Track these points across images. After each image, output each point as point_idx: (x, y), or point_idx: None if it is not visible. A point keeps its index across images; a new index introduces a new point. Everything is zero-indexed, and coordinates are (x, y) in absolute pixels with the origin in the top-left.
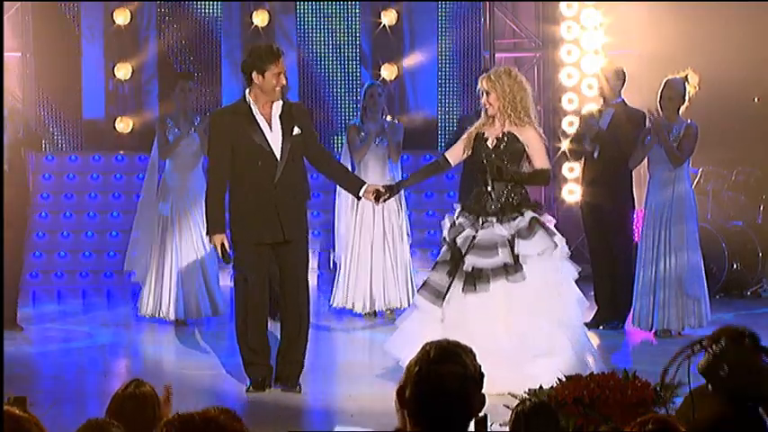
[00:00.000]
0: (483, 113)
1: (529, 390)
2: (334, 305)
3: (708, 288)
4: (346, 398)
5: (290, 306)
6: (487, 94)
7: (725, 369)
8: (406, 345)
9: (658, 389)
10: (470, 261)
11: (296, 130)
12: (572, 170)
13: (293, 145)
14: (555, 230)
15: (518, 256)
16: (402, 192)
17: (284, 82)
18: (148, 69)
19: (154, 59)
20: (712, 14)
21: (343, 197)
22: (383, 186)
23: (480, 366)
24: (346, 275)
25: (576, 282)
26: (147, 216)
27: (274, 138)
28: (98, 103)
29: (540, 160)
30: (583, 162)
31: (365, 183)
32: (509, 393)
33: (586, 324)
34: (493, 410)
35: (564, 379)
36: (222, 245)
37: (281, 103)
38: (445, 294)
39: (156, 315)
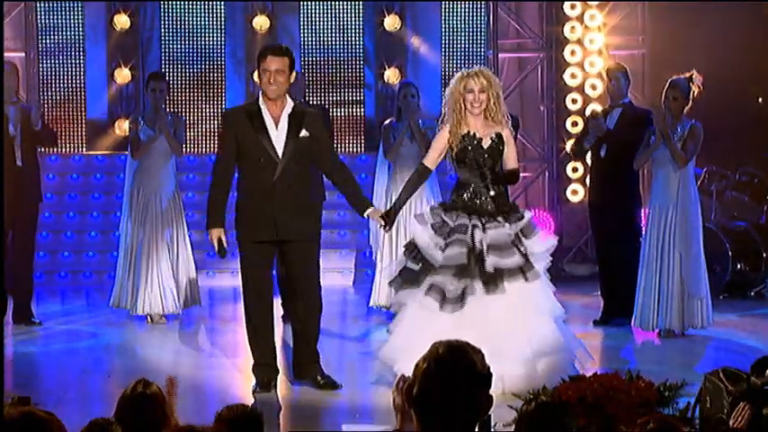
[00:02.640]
0: (461, 113)
1: (533, 390)
2: (372, 304)
3: (711, 289)
4: (354, 396)
5: (299, 305)
6: (481, 92)
7: None
8: (404, 350)
9: (662, 389)
10: (492, 261)
11: (303, 133)
12: (575, 170)
13: (297, 147)
14: None
15: (527, 254)
16: (437, 188)
17: (274, 80)
18: (151, 70)
19: (157, 59)
20: (716, 14)
21: (378, 198)
22: (384, 213)
23: (489, 367)
24: (381, 275)
25: (582, 280)
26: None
27: (278, 137)
28: (101, 104)
29: (514, 160)
30: (590, 162)
31: (371, 205)
32: (512, 393)
33: (594, 322)
34: (495, 411)
35: (566, 378)
36: (219, 239)
37: (292, 104)
38: (462, 296)
39: (125, 307)
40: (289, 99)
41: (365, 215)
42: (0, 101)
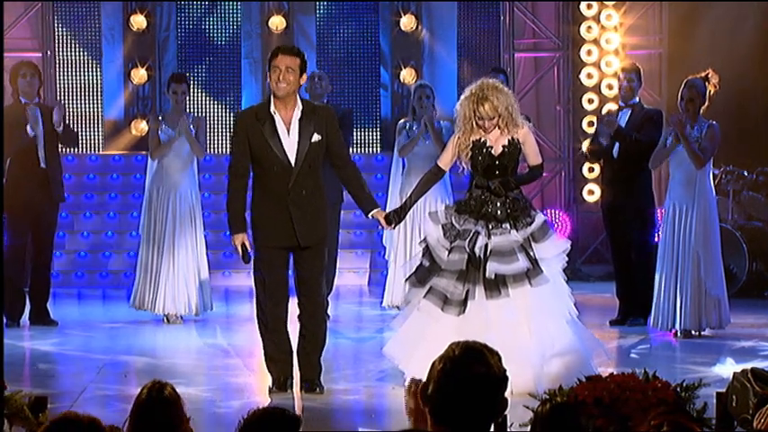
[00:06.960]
0: (473, 127)
1: (549, 390)
2: (385, 305)
3: (727, 289)
4: (369, 397)
5: (308, 307)
6: (491, 118)
7: None
8: (407, 349)
9: (679, 389)
10: (492, 268)
11: (315, 137)
12: (591, 170)
13: (310, 152)
14: None
15: (536, 259)
16: (451, 187)
17: (284, 78)
18: (168, 70)
19: (173, 60)
20: (732, 13)
21: (393, 197)
22: (392, 211)
23: (505, 369)
24: (395, 275)
25: (598, 281)
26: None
27: (290, 143)
28: (118, 104)
29: (535, 156)
30: (602, 161)
31: (377, 206)
32: (528, 394)
33: (611, 322)
34: (512, 411)
35: (582, 378)
36: (243, 245)
37: (301, 106)
38: (464, 302)
39: (145, 309)
40: (299, 100)
41: (370, 216)
42: (0, 100)
